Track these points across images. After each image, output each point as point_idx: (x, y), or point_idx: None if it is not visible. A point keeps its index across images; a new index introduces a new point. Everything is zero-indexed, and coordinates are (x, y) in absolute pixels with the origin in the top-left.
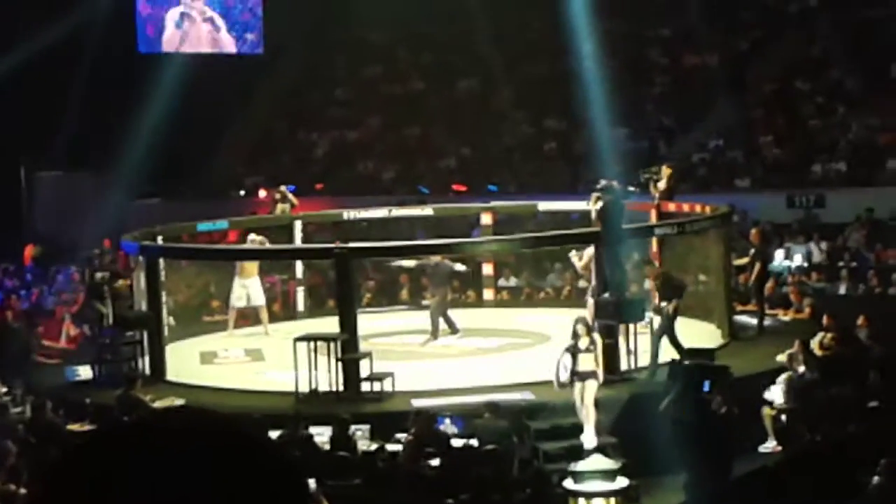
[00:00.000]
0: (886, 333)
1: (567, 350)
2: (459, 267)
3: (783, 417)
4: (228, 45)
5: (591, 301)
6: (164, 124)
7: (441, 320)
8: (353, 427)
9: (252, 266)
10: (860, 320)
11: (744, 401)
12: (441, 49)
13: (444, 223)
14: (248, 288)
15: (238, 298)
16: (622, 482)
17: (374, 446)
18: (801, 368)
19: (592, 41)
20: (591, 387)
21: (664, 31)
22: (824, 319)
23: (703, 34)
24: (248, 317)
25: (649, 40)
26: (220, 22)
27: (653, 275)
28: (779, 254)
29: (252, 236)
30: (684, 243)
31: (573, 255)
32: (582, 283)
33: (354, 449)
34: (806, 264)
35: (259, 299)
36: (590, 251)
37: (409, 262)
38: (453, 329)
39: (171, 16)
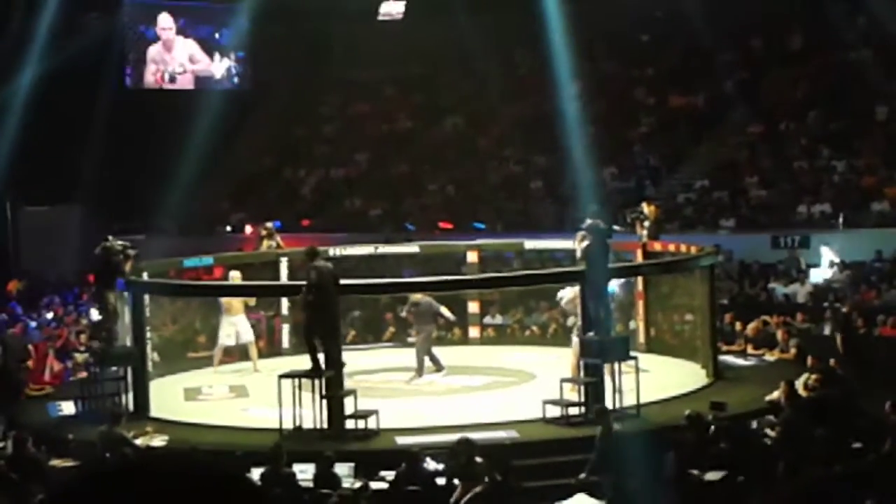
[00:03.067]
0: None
1: None
2: (446, 313)
3: None
4: (214, 72)
5: (576, 340)
6: (151, 159)
7: (426, 358)
8: (336, 465)
9: (238, 303)
10: (832, 362)
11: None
12: (428, 87)
13: (431, 261)
14: (236, 325)
15: (227, 336)
16: None
17: (357, 484)
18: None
19: (579, 81)
20: None
21: (650, 71)
22: (809, 360)
23: (689, 75)
24: (232, 353)
25: (636, 80)
26: (201, 55)
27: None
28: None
29: (233, 273)
30: (669, 283)
31: (562, 297)
32: (571, 321)
33: (338, 487)
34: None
35: (248, 335)
36: (576, 289)
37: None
38: (438, 367)
39: (152, 53)
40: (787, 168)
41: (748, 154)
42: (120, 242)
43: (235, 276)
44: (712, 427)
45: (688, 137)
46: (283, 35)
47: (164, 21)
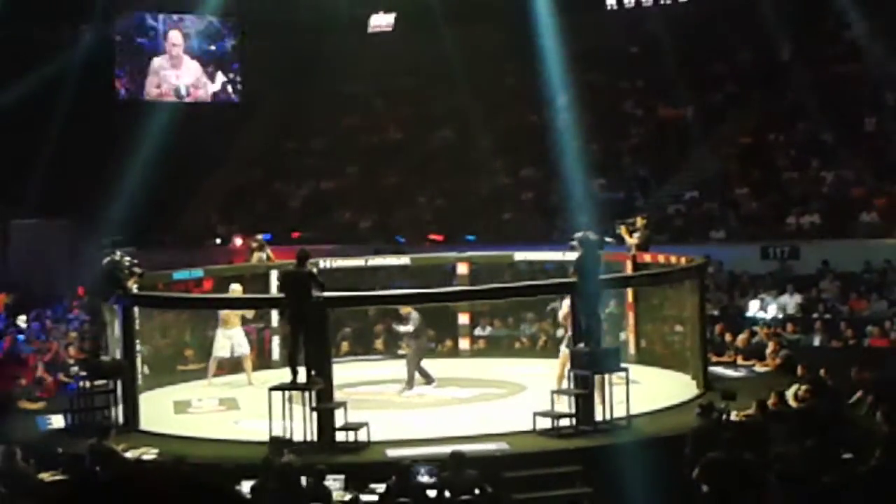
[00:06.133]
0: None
1: None
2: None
3: None
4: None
5: (564, 351)
6: (141, 172)
7: (415, 371)
8: (327, 477)
9: (235, 316)
10: (821, 372)
11: None
12: (418, 100)
13: (422, 273)
14: (232, 338)
15: (221, 349)
16: None
17: (348, 497)
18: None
19: (568, 93)
20: None
21: (639, 82)
22: (798, 370)
23: (678, 86)
24: (223, 366)
25: (625, 92)
26: (204, 79)
27: None
28: (753, 304)
29: (234, 286)
30: (659, 294)
31: (554, 308)
32: (560, 332)
33: (329, 499)
34: (780, 315)
35: (244, 348)
36: (569, 302)
37: (408, 328)
38: (428, 379)
39: (155, 65)
40: (777, 179)
41: (737, 165)
42: (128, 259)
43: (236, 290)
44: (723, 416)
45: (677, 149)
46: (272, 48)
47: (175, 38)
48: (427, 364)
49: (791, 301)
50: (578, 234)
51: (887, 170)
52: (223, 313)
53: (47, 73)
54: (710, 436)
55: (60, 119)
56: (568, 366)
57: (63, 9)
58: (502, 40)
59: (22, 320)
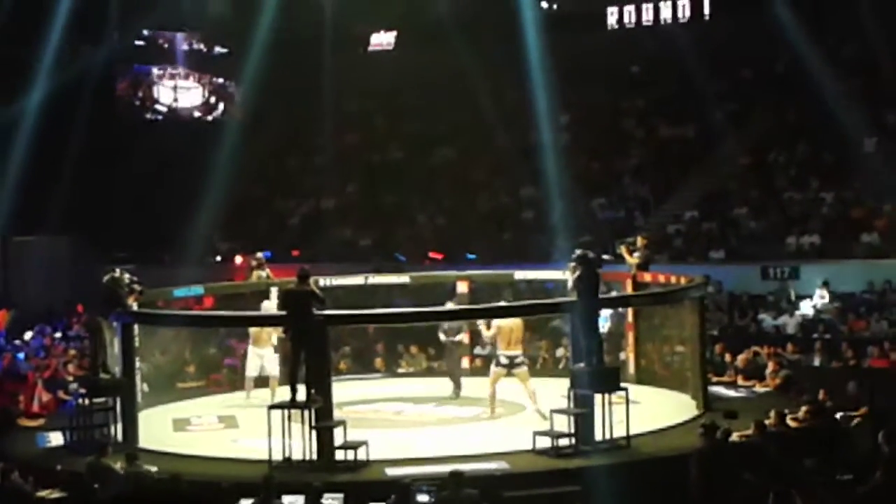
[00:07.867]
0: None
1: None
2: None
3: None
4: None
5: (494, 370)
6: (142, 189)
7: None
8: (326, 496)
9: (266, 334)
10: (821, 394)
11: None
12: (419, 118)
13: (421, 291)
14: (262, 358)
15: (253, 368)
16: None
17: None
18: None
19: (569, 112)
20: None
21: (639, 102)
22: (792, 393)
23: (679, 106)
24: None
25: (625, 111)
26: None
27: None
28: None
29: (266, 304)
30: (659, 314)
31: (481, 323)
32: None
33: None
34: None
35: (273, 370)
36: (497, 322)
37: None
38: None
39: (155, 82)
40: (777, 199)
41: (737, 185)
42: (128, 276)
43: (269, 307)
44: (728, 436)
45: (677, 168)
46: (274, 65)
47: (177, 55)
48: (428, 381)
49: (791, 321)
50: (577, 253)
51: (887, 190)
52: (254, 331)
53: (49, 92)
54: (714, 457)
55: (61, 136)
56: (531, 385)
57: (64, 28)
58: (503, 59)
59: (26, 337)
